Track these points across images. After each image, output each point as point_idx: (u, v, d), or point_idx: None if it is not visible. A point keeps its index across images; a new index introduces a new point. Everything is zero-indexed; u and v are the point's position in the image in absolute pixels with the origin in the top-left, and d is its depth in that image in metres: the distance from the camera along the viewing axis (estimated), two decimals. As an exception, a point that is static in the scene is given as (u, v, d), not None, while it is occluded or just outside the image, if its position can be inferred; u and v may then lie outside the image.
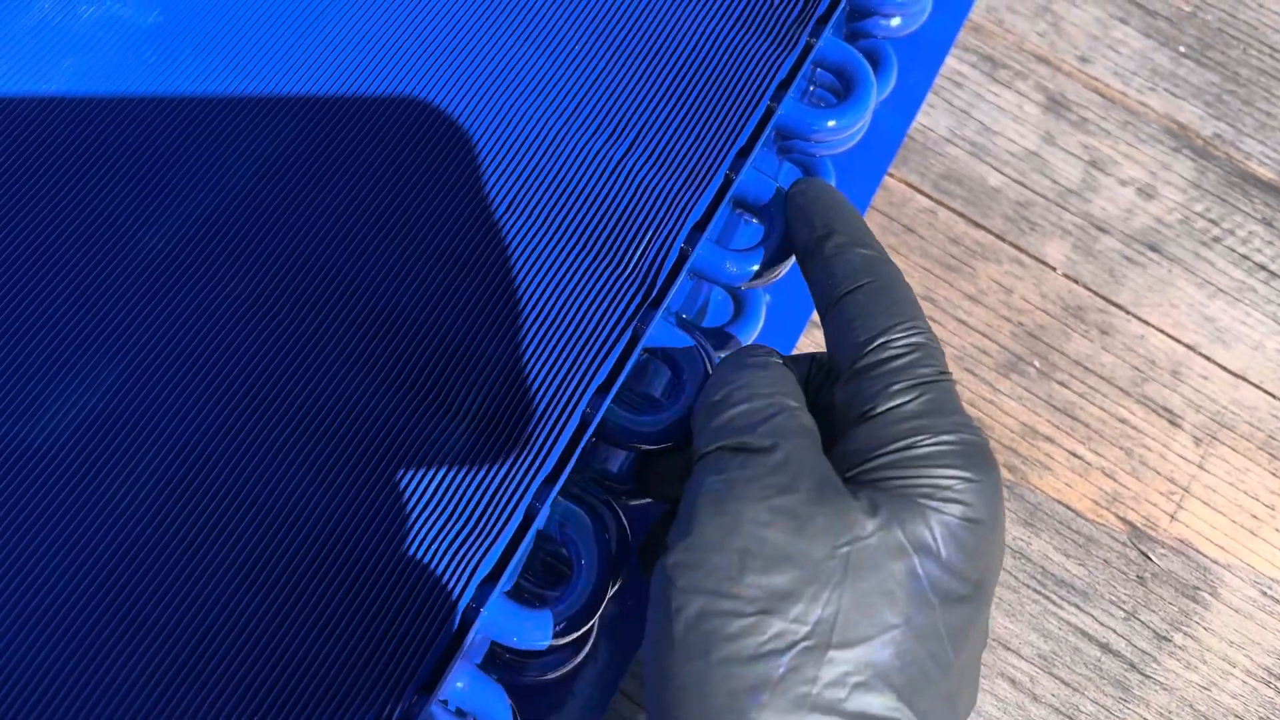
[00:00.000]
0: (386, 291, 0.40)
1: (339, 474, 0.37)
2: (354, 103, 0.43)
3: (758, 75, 0.46)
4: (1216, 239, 0.60)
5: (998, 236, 0.60)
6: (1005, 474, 0.54)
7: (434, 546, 0.36)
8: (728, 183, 0.44)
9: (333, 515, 0.37)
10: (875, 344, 0.34)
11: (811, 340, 0.56)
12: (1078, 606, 0.51)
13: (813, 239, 0.38)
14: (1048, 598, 0.52)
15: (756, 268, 0.44)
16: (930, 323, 0.57)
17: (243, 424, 0.37)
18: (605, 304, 0.41)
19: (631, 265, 0.42)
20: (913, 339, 0.33)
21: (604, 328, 0.40)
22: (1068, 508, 0.53)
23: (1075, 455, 0.55)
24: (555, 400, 0.39)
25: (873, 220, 0.60)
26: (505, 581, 0.36)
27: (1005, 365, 0.57)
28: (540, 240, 0.42)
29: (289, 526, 0.36)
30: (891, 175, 0.61)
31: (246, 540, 0.36)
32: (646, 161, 0.44)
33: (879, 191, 0.60)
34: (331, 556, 0.36)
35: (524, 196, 0.42)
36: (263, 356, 0.39)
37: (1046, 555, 0.52)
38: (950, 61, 0.65)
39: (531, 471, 0.37)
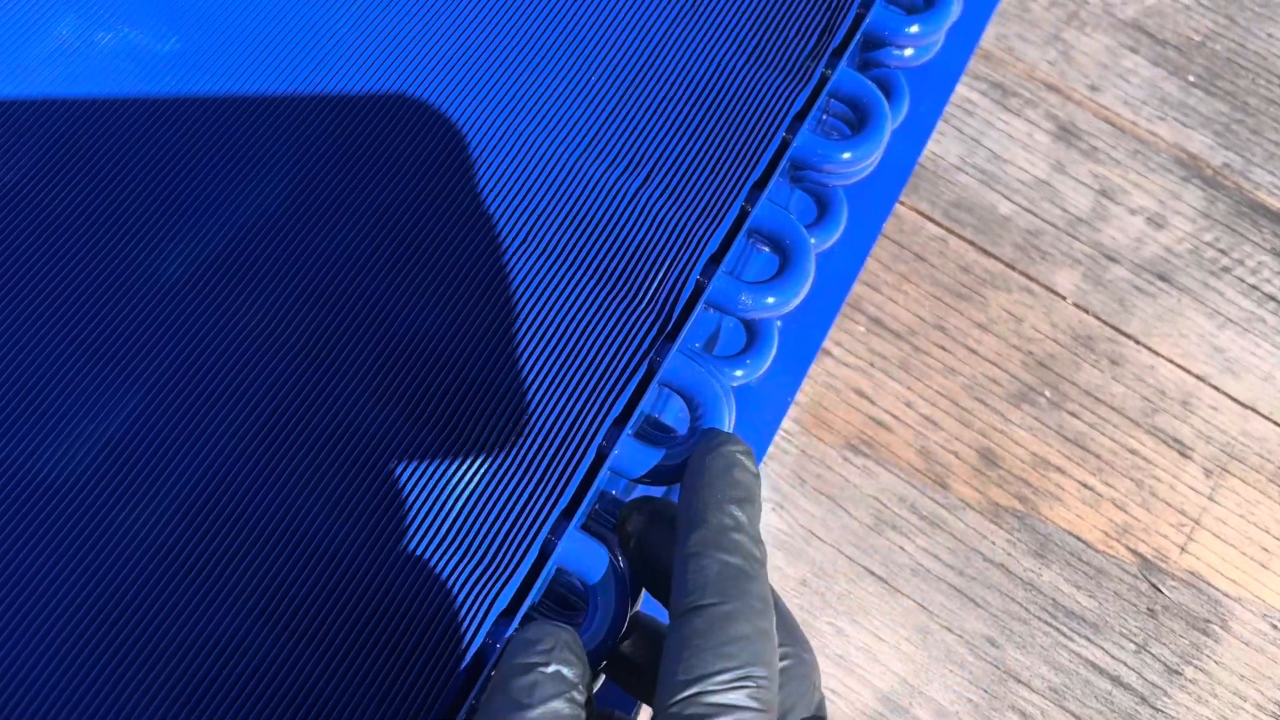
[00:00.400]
0: (404, 321, 0.40)
1: (355, 505, 0.37)
2: (372, 131, 0.44)
3: (773, 108, 0.46)
4: (1226, 269, 0.60)
5: (1008, 265, 0.60)
6: (1016, 505, 0.54)
7: (450, 581, 0.36)
8: (743, 215, 0.44)
9: (349, 548, 0.37)
10: (689, 692, 0.29)
11: (822, 368, 0.56)
12: (1089, 639, 0.51)
13: (686, 517, 0.33)
14: (1059, 630, 0.51)
15: (773, 300, 0.44)
16: (941, 351, 0.58)
17: (260, 454, 0.37)
18: (621, 336, 0.41)
19: (647, 298, 0.42)
20: (730, 697, 0.29)
21: (620, 361, 0.40)
22: (1078, 539, 0.53)
23: (1086, 486, 0.55)
24: (571, 434, 0.39)
25: (884, 249, 0.60)
26: (520, 617, 0.36)
27: (1016, 395, 0.57)
28: (557, 272, 0.42)
29: (305, 559, 0.36)
30: (902, 203, 0.61)
31: (262, 573, 0.36)
32: (662, 194, 0.44)
33: (890, 219, 0.60)
34: (347, 590, 0.36)
35: (541, 228, 0.43)
36: (281, 385, 0.39)
37: (1057, 587, 0.52)
38: (961, 89, 0.65)
39: (548, 506, 0.37)
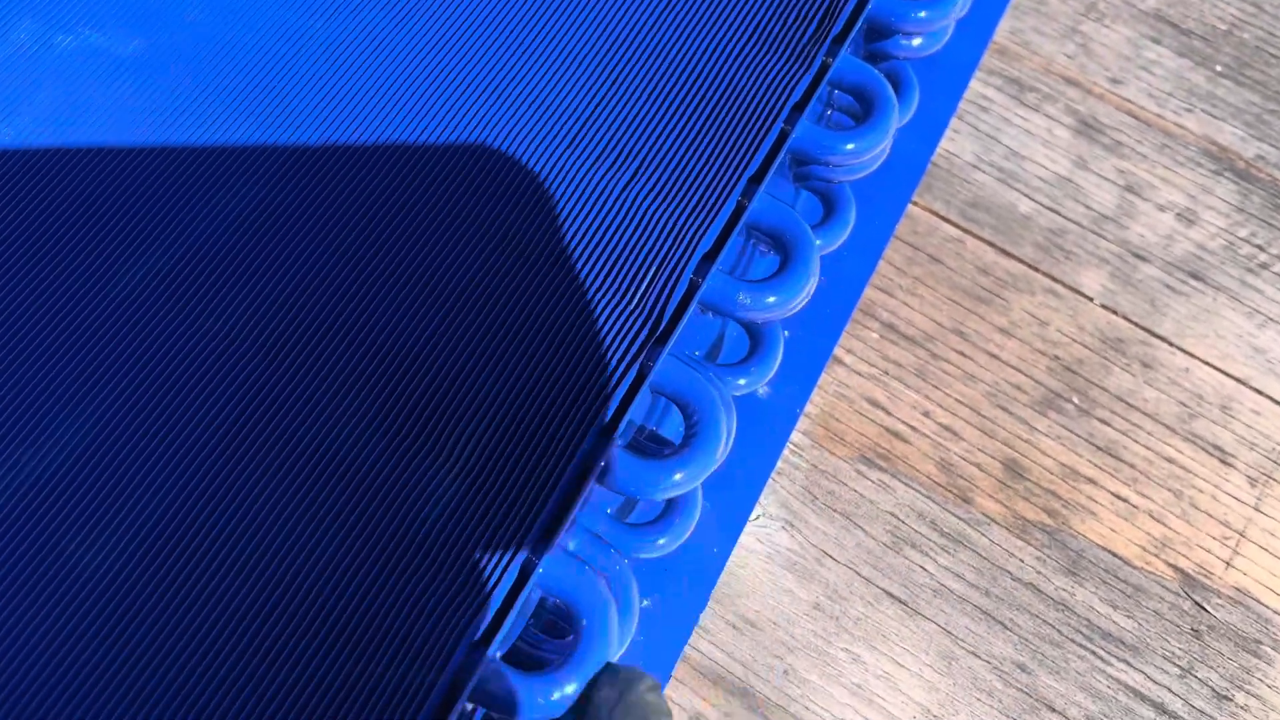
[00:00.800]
0: (377, 330, 0.38)
1: (324, 519, 0.34)
2: (351, 126, 0.41)
3: (771, 97, 0.43)
4: (1264, 265, 0.57)
5: (1030, 266, 0.57)
6: (1045, 519, 0.50)
7: (431, 601, 0.33)
8: (739, 210, 0.41)
9: (314, 567, 0.34)
10: None
11: (833, 377, 0.53)
12: (1128, 663, 0.48)
13: None
14: (1095, 653, 0.48)
15: (773, 299, 0.41)
16: (960, 357, 0.54)
17: (226, 469, 0.35)
18: (609, 341, 0.38)
19: (636, 299, 0.39)
20: None
21: (607, 366, 0.37)
22: (1114, 555, 0.50)
23: (1120, 498, 0.51)
24: (553, 445, 0.36)
25: (897, 251, 0.57)
26: (498, 645, 0.33)
27: (1042, 402, 0.53)
28: (537, 276, 0.39)
29: (265, 579, 0.33)
30: (915, 203, 0.58)
31: (225, 589, 0.33)
32: (652, 190, 0.41)
33: (902, 220, 0.57)
34: (310, 607, 0.33)
35: (521, 230, 0.40)
36: (253, 396, 0.36)
37: (1092, 606, 0.48)
38: (975, 85, 0.62)
39: (525, 524, 0.34)
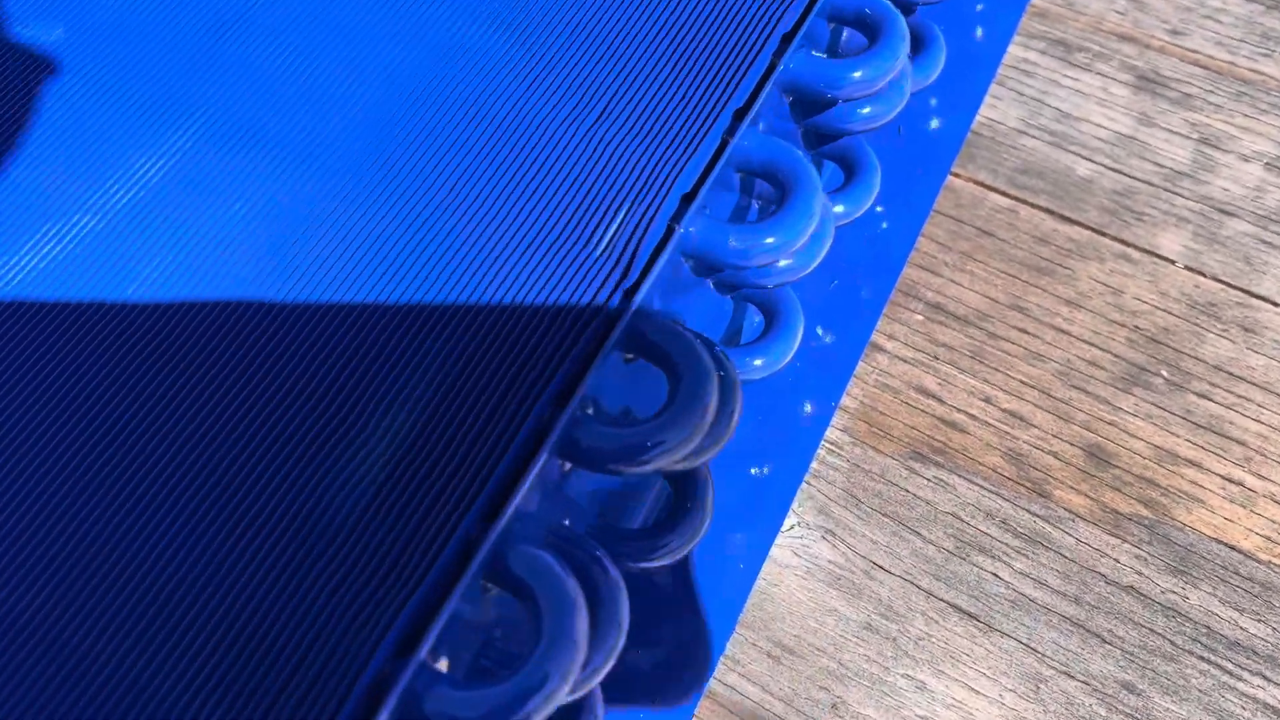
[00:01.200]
0: (312, 284, 0.32)
1: (208, 512, 0.29)
2: (289, 73, 0.37)
3: (756, 26, 0.38)
4: (1378, 208, 0.48)
5: (1096, 231, 0.49)
6: (1141, 510, 0.42)
7: (337, 600, 0.27)
8: (724, 147, 0.36)
9: (197, 566, 0.28)
10: None
11: (873, 366, 0.46)
12: (1265, 676, 0.38)
13: None
14: (1221, 666, 0.39)
15: (771, 240, 0.34)
16: (1023, 335, 0.47)
17: (94, 460, 0.29)
18: (570, 292, 0.32)
19: (603, 246, 0.33)
20: None
21: (566, 321, 0.31)
22: (1231, 548, 0.41)
23: (1232, 481, 0.42)
24: (498, 414, 0.30)
25: (939, 226, 0.50)
26: (420, 651, 0.26)
27: (1125, 378, 0.45)
28: (494, 226, 0.33)
29: (148, 580, 0.28)
30: (956, 175, 0.51)
31: (100, 596, 0.27)
32: (622, 128, 0.35)
33: (943, 194, 0.51)
34: (194, 615, 0.27)
35: (477, 175, 0.34)
36: (132, 385, 0.31)
37: (1210, 611, 0.40)
38: (1014, 51, 0.56)
39: (463, 505, 0.28)
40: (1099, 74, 0.54)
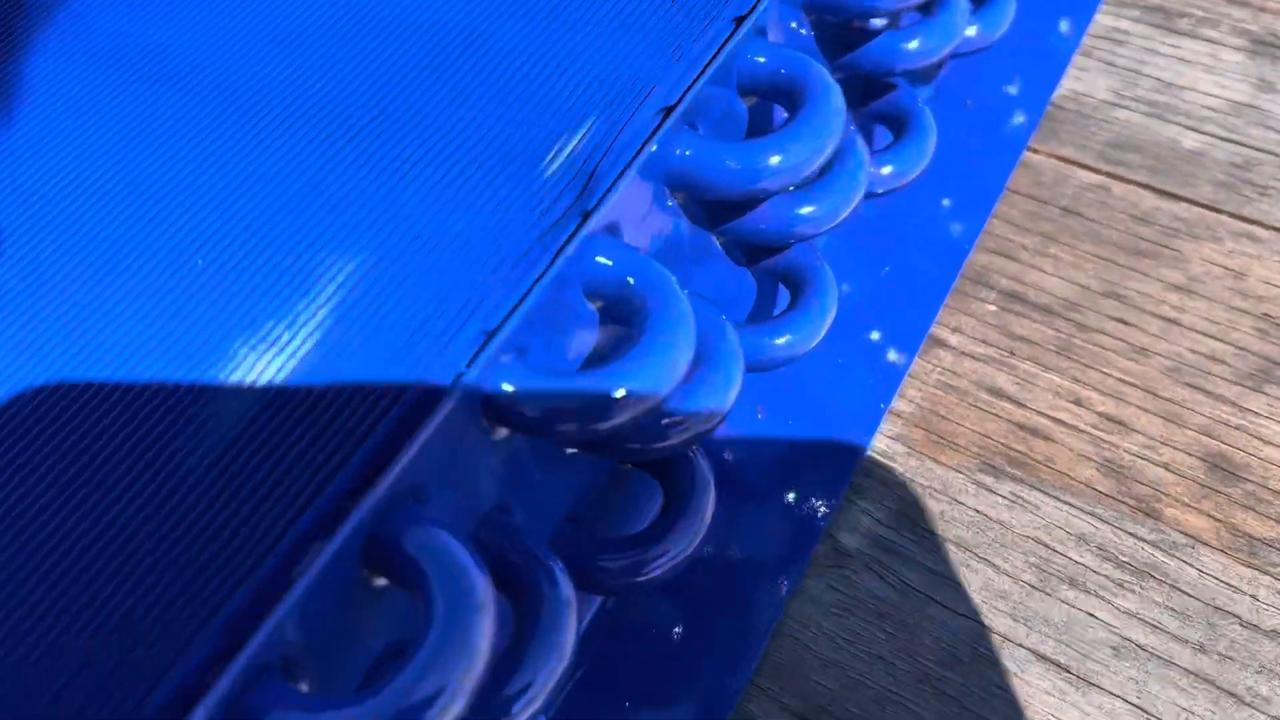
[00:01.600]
0: (236, 212, 0.26)
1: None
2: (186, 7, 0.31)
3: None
4: None
5: (1209, 208, 0.41)
6: (1285, 535, 0.32)
7: (160, 575, 0.20)
8: (718, 54, 0.29)
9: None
10: None
11: (934, 363, 0.38)
12: None
13: None
14: None
15: (777, 160, 0.27)
16: (1121, 326, 0.37)
17: None
18: (511, 218, 0.25)
19: (559, 166, 0.26)
20: None
21: (501, 248, 0.25)
22: None
23: (1407, 498, 0.33)
24: (399, 357, 0.23)
25: (1013, 207, 0.42)
26: (243, 655, 0.19)
27: (1254, 374, 0.36)
28: (429, 151, 0.27)
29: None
30: (1035, 150, 0.44)
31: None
32: (580, 27, 0.29)
33: (1018, 171, 0.43)
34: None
35: (410, 89, 0.28)
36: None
37: (1390, 664, 0.30)
38: (1102, 20, 0.48)
39: (326, 470, 0.21)
40: (1205, 40, 0.46)
